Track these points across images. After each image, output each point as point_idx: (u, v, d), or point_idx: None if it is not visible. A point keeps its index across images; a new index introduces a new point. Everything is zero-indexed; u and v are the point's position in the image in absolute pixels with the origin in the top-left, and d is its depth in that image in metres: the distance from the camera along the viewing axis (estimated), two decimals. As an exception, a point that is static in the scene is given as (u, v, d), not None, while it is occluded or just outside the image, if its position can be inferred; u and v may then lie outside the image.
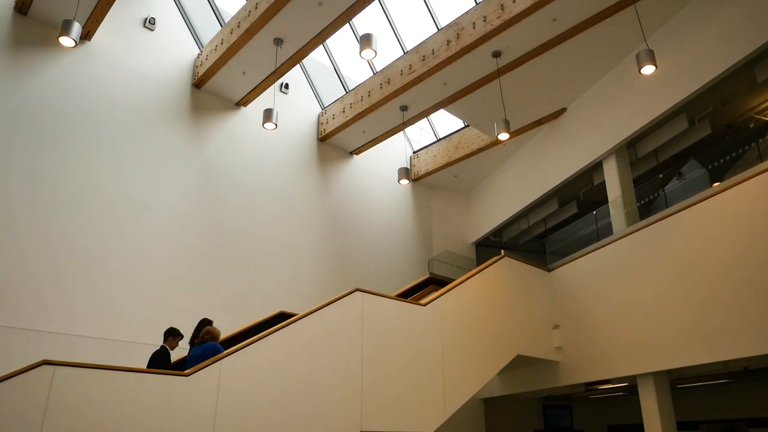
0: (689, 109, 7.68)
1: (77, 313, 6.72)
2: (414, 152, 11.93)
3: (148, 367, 5.10)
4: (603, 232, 8.29)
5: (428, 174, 11.56)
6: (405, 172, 9.30)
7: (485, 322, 7.19)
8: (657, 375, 6.77)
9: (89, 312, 6.82)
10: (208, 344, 5.01)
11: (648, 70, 6.17)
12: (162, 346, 5.32)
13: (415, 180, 11.76)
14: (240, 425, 4.46)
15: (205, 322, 5.58)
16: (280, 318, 6.19)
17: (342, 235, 10.17)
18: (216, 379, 4.43)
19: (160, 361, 5.15)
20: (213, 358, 4.52)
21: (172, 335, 5.40)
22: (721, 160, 7.03)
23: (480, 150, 10.59)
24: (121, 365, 4.06)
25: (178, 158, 8.37)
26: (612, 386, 8.72)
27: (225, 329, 6.27)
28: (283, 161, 9.74)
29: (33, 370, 3.47)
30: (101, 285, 7.03)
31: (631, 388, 8.67)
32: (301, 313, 5.32)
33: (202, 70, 8.71)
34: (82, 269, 6.93)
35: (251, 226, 8.87)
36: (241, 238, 8.69)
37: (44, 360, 3.57)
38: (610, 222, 8.27)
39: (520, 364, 8.10)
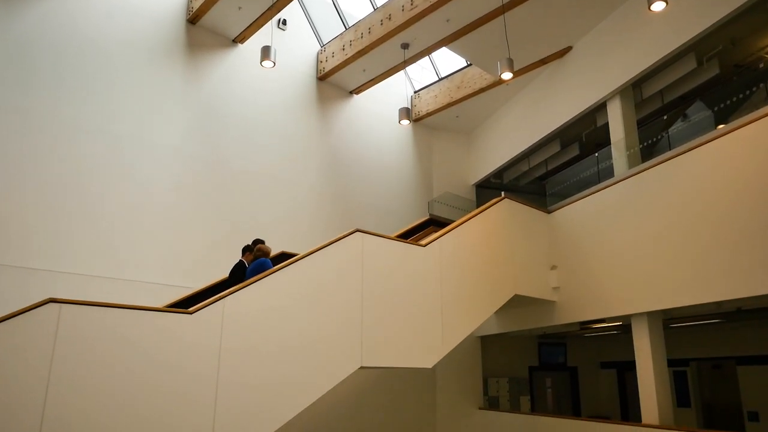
0: (698, 48, 7.47)
1: (78, 252, 6.79)
2: (415, 92, 11.72)
3: (228, 277, 6.10)
4: (604, 175, 8.25)
5: (429, 114, 11.40)
6: (406, 113, 9.17)
7: (484, 263, 7.29)
8: (651, 315, 6.93)
9: (90, 251, 6.89)
10: (258, 260, 5.70)
11: (658, 6, 5.97)
12: (240, 260, 6.17)
13: (416, 120, 11.61)
14: (244, 360, 4.59)
15: (257, 241, 6.27)
16: (282, 258, 6.26)
17: (342, 175, 10.14)
18: (219, 316, 4.52)
19: (237, 273, 5.99)
20: (215, 297, 4.60)
21: (249, 251, 6.21)
22: (728, 102, 6.90)
23: (482, 90, 10.39)
24: (126, 303, 4.13)
25: (176, 97, 8.23)
26: (606, 325, 8.93)
27: (225, 269, 6.37)
28: (282, 100, 9.58)
29: (39, 308, 3.53)
30: (102, 224, 7.07)
31: (624, 327, 8.89)
32: (302, 253, 5.38)
33: (196, 5, 8.41)
34: (82, 209, 6.95)
35: (250, 166, 8.83)
36: (240, 178, 8.67)
37: (50, 298, 3.63)
38: (612, 164, 8.22)
39: (517, 303, 8.27)
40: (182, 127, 8.20)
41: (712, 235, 6.04)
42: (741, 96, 6.86)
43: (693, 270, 6.23)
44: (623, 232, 7.24)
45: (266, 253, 5.99)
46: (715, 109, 7.16)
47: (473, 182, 11.95)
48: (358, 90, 10.67)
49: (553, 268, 8.27)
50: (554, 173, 10.59)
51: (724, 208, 5.94)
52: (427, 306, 6.27)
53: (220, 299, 4.59)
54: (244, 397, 4.52)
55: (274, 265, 5.29)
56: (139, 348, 3.98)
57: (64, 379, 3.58)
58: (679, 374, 10.16)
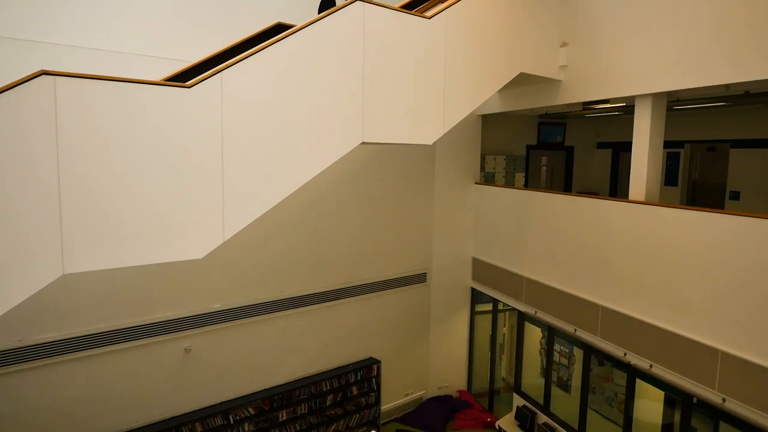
0: None
1: (65, 21, 6.40)
2: None
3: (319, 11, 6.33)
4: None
5: None
6: None
7: (491, 39, 6.95)
8: (656, 96, 6.84)
9: (79, 20, 6.50)
10: None
11: None
12: None
13: None
14: (246, 135, 4.65)
15: None
16: (278, 29, 5.95)
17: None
18: (218, 90, 4.45)
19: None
20: (212, 71, 4.47)
21: None
22: None
23: None
24: (121, 76, 4.02)
25: None
26: (608, 106, 8.89)
27: (218, 44, 6.08)
28: None
29: (32, 82, 3.43)
30: (84, -11, 6.55)
31: (626, 108, 8.86)
32: (300, 25, 5.08)
33: None
34: (59, -30, 6.36)
35: None
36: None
37: (42, 71, 3.51)
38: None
39: (521, 82, 8.11)
40: None
41: (730, 11, 5.65)
42: None
43: (706, 49, 5.97)
44: (641, 8, 6.76)
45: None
46: None
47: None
48: None
49: (563, 45, 7.92)
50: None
51: (760, -20, 5.44)
52: (429, 82, 6.15)
53: (218, 73, 4.46)
54: (249, 170, 4.69)
55: (269, 39, 5.03)
56: (141, 122, 3.98)
57: (72, 152, 3.65)
58: (672, 155, 10.45)
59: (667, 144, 7.39)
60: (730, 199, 9.38)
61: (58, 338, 6.52)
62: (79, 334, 6.67)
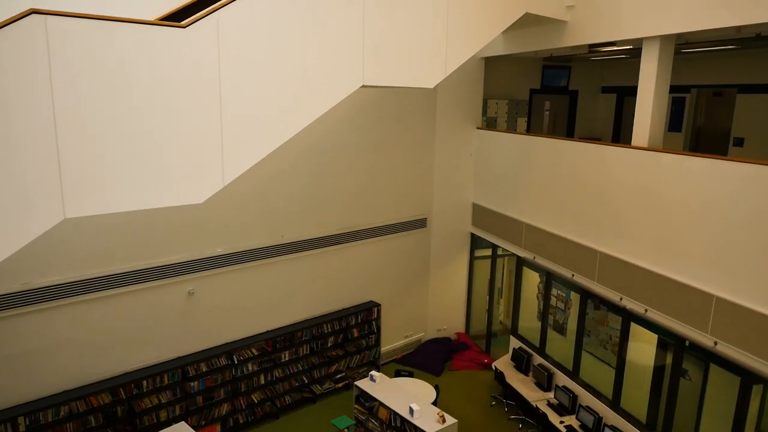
0: None
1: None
2: None
3: None
4: None
5: None
6: None
7: (497, -23, 6.70)
8: (665, 39, 6.66)
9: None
10: None
11: None
12: None
13: None
14: (244, 77, 4.56)
15: None
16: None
17: None
18: (215, 30, 4.32)
19: None
20: (208, 9, 4.32)
21: None
22: None
23: None
24: (115, 15, 3.90)
25: None
26: (615, 49, 8.66)
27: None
28: None
29: (21, 21, 3.32)
30: None
31: (633, 51, 8.63)
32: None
33: None
34: None
35: None
36: None
37: (32, 9, 3.39)
38: None
39: (526, 23, 7.87)
40: None
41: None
42: None
43: (722, -10, 5.76)
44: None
45: None
46: None
47: None
48: None
49: (571, -16, 7.65)
50: None
51: None
52: (432, 23, 5.97)
53: (214, 11, 4.32)
54: (247, 113, 4.62)
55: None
56: (136, 63, 3.89)
57: (66, 95, 3.58)
58: (677, 100, 10.28)
59: (672, 89, 7.24)
60: (734, 145, 9.29)
61: (62, 281, 6.61)
62: (83, 278, 6.76)
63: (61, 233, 6.43)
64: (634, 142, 7.04)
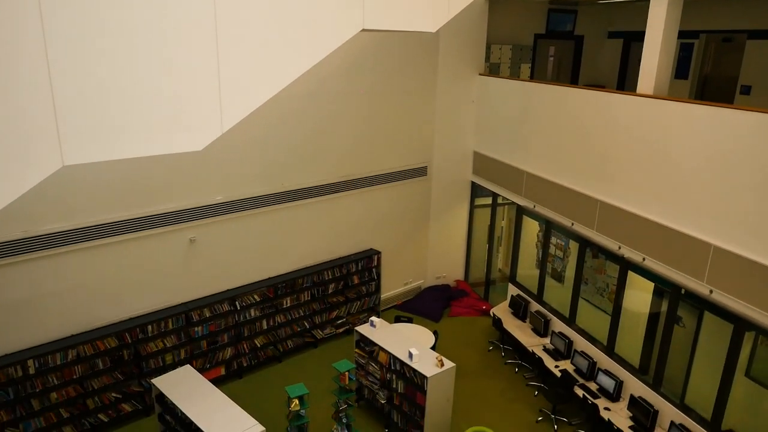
0: None
1: None
2: None
3: None
4: None
5: None
6: None
7: None
8: (676, -19, 6.44)
9: None
10: None
11: None
12: None
13: None
14: (241, 21, 4.43)
15: None
16: None
17: None
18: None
19: None
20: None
21: None
22: None
23: None
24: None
25: None
26: (624, -9, 8.39)
27: None
28: None
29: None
30: None
31: (643, -6, 8.36)
32: None
33: None
34: None
35: None
36: None
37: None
38: None
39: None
40: None
41: None
42: None
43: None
44: None
45: None
46: None
47: None
48: None
49: None
50: None
51: None
52: (435, -35, 5.75)
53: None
54: (245, 57, 4.51)
55: None
56: (133, 12, 3.77)
57: (58, 38, 3.48)
58: (685, 46, 10.03)
59: (681, 34, 7.05)
60: (740, 93, 9.13)
61: (64, 229, 6.64)
62: (84, 225, 6.79)
63: (65, 181, 6.42)
64: (640, 89, 6.91)
